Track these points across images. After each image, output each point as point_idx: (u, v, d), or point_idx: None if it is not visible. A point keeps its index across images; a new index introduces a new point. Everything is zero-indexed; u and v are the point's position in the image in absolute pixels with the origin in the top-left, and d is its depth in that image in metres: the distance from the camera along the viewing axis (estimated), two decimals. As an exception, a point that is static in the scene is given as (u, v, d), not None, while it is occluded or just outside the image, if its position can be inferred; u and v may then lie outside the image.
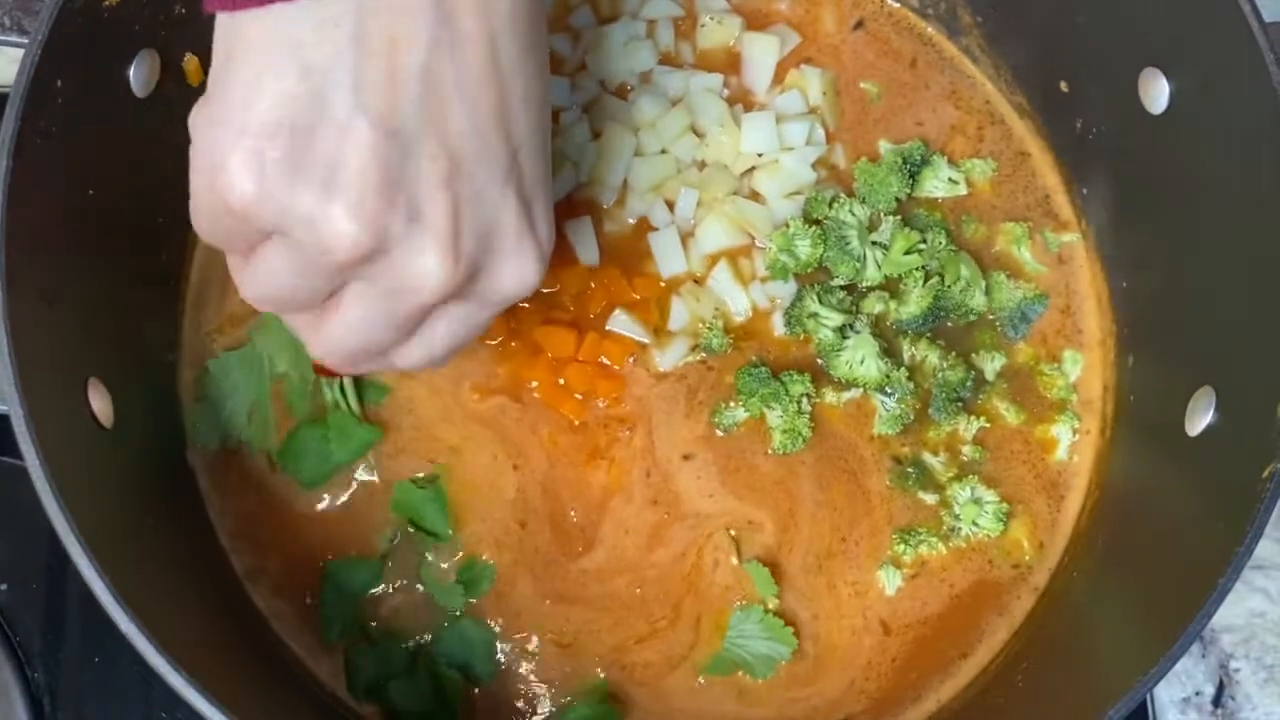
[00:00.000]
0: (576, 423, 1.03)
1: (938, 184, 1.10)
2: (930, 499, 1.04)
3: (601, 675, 0.99)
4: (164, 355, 1.03)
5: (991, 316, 1.08)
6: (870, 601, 1.02)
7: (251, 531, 1.01)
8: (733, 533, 1.02)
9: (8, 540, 1.07)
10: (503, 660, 0.99)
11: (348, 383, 1.02)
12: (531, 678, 0.99)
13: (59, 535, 0.77)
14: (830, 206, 1.07)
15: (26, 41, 0.83)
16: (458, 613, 0.99)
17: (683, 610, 1.00)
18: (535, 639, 0.99)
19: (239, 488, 1.02)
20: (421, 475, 1.02)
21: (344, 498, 1.02)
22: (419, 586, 0.99)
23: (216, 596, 0.98)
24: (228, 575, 1.00)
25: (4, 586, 1.06)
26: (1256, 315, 0.88)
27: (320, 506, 1.01)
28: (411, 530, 1.00)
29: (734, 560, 1.01)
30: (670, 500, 1.02)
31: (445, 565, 1.00)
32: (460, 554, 1.00)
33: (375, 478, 1.02)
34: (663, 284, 1.07)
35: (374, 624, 0.99)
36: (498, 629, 0.99)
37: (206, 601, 0.95)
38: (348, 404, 1.02)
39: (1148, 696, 1.09)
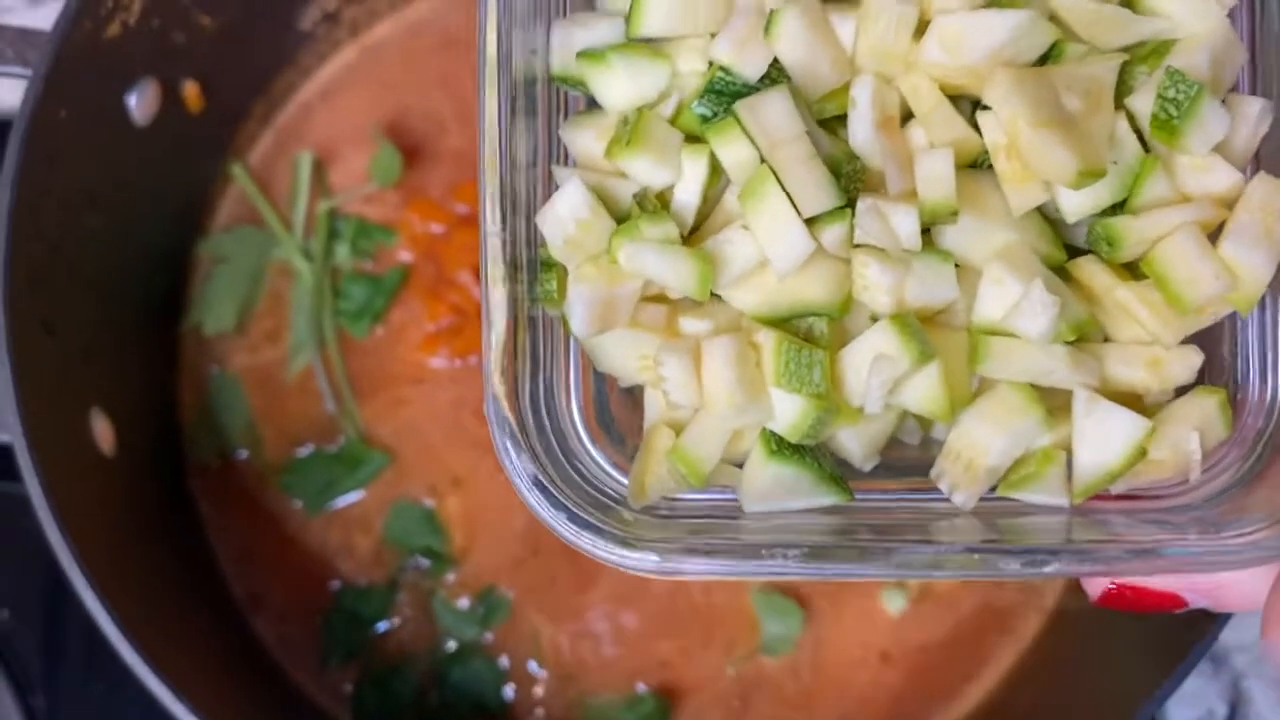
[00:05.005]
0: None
1: None
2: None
3: (642, 689, 0.98)
4: (165, 382, 1.03)
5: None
6: (875, 631, 1.00)
7: (253, 557, 1.01)
8: None
9: (9, 567, 1.06)
10: (511, 695, 0.98)
11: (350, 401, 1.02)
12: (540, 710, 0.99)
13: (61, 564, 0.77)
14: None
15: (29, 72, 0.83)
16: (469, 644, 0.98)
17: (713, 637, 1.00)
18: (546, 670, 0.99)
19: (240, 513, 1.01)
20: (423, 501, 1.01)
21: (347, 524, 1.01)
22: (429, 618, 0.99)
23: (218, 623, 0.98)
24: (229, 601, 1.00)
25: (5, 613, 1.06)
26: None
27: (323, 532, 1.01)
28: (424, 561, 1.00)
29: None
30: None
31: (460, 597, 0.99)
32: (473, 584, 1.00)
33: (378, 503, 1.01)
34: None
35: (381, 657, 0.99)
36: (507, 663, 0.99)
37: (208, 628, 0.95)
38: (355, 428, 1.02)
39: (1156, 716, 1.08)
